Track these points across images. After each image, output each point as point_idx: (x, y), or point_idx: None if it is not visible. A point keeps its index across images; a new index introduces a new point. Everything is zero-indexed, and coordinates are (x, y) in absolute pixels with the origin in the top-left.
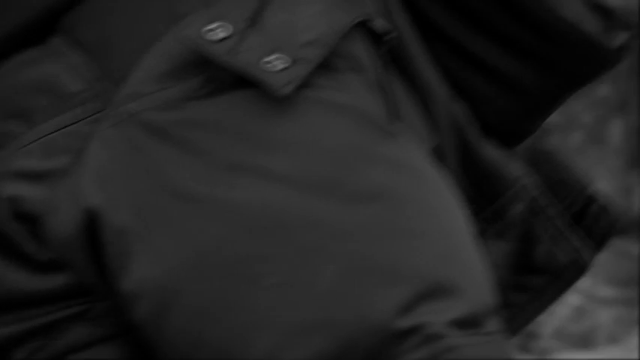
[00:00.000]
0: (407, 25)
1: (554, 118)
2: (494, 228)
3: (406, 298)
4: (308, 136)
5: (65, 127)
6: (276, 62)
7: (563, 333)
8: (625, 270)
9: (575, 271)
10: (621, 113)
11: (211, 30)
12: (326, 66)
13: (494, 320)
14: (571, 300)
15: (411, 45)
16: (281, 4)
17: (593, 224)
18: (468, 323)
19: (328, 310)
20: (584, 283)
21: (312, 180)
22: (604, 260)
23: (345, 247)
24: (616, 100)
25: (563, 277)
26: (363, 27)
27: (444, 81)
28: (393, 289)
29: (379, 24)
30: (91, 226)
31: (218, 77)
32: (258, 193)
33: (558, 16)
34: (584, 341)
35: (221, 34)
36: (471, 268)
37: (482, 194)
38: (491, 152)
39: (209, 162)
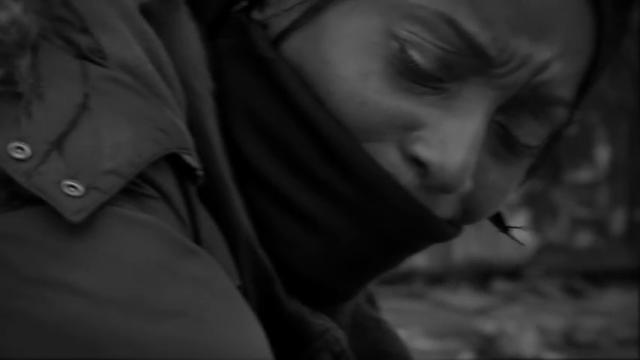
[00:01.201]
0: (226, 166)
1: None
2: None
3: None
4: (110, 251)
5: None
6: (72, 188)
7: None
8: (442, 320)
9: None
10: None
11: (16, 148)
12: (130, 191)
13: None
14: None
15: (226, 186)
16: (90, 129)
17: None
18: None
19: None
20: (401, 334)
21: (115, 295)
22: (422, 311)
23: None
24: None
25: None
26: (175, 159)
27: (255, 226)
28: None
29: (191, 159)
30: None
31: (22, 193)
32: (60, 307)
33: (375, 164)
34: None
35: (22, 153)
36: None
37: (286, 345)
38: (296, 305)
39: (11, 275)
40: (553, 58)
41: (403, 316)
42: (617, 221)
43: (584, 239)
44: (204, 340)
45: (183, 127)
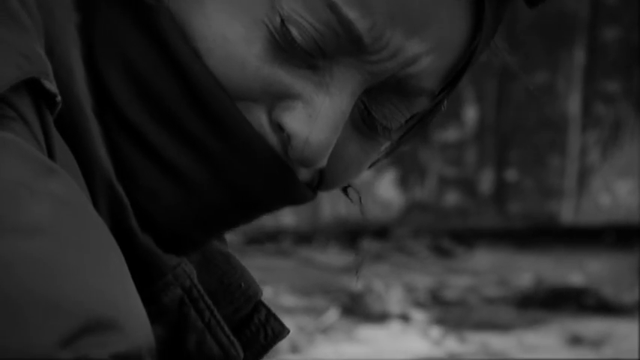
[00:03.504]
0: (87, 98)
1: None
2: (148, 312)
3: (68, 331)
4: None
5: None
6: None
7: None
8: (309, 278)
9: None
10: None
11: None
12: None
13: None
14: None
15: (86, 116)
16: None
17: (258, 330)
18: (128, 358)
19: None
20: (267, 292)
21: None
22: (289, 269)
23: (6, 280)
24: None
25: None
26: (34, 85)
27: (114, 165)
28: (55, 322)
29: (51, 85)
30: None
31: None
32: None
33: (247, 122)
34: None
35: None
36: (130, 307)
37: (136, 276)
38: (148, 240)
39: None
40: (423, 54)
41: (270, 274)
42: (485, 181)
43: (452, 199)
44: (64, 259)
45: (44, 54)
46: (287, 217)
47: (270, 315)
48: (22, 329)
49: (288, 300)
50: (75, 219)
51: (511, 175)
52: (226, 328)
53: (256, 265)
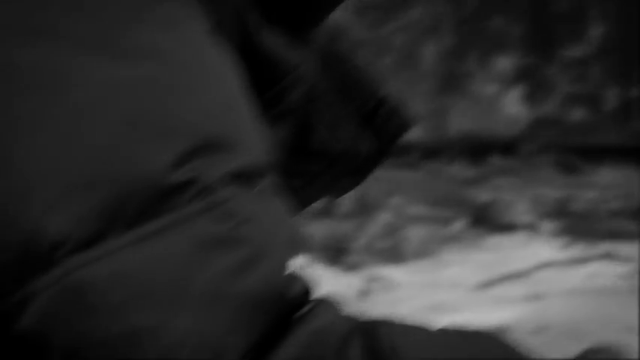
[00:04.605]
0: None
1: (366, 38)
2: (272, 113)
3: (180, 151)
4: None
5: None
6: None
7: (374, 248)
8: (436, 190)
9: (350, 159)
10: (433, 36)
11: None
12: None
13: (268, 178)
14: (382, 217)
15: None
16: None
17: (383, 124)
18: (241, 177)
19: (104, 165)
20: (394, 200)
21: (83, 37)
22: (417, 180)
23: (119, 103)
24: (428, 22)
25: (337, 164)
26: None
27: None
28: (167, 143)
29: None
30: None
31: None
32: (30, 50)
33: None
34: (394, 256)
35: None
36: (245, 125)
37: (261, 79)
38: (270, 39)
39: None
40: None
41: (398, 185)
42: (611, 98)
43: (577, 115)
44: (175, 80)
45: None
46: (414, 132)
47: (397, 106)
48: (133, 154)
49: (416, 209)
50: (185, 42)
51: (636, 92)
52: (352, 123)
53: (385, 177)
